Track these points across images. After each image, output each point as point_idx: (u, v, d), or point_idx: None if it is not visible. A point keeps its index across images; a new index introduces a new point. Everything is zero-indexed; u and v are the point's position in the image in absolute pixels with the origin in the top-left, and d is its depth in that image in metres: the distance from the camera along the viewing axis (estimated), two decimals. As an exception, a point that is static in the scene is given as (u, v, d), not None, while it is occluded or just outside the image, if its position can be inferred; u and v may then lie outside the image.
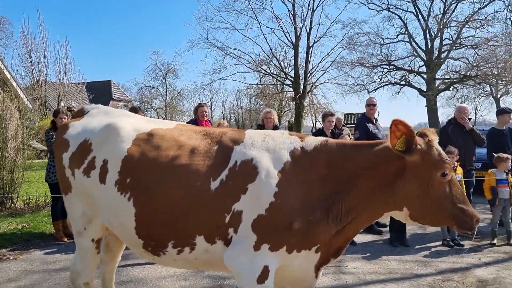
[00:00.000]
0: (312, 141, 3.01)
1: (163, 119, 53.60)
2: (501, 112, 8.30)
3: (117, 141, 3.12)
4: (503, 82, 35.51)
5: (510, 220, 6.95)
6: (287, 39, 33.03)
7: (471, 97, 49.44)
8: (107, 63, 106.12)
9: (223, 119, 66.06)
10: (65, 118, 7.72)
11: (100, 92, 48.12)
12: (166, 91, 47.06)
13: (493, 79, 34.67)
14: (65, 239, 7.27)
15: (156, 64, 46.22)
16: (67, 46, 34.86)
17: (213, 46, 33.28)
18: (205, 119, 8.12)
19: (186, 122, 5.16)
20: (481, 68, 32.08)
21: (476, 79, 32.63)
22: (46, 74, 31.53)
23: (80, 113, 3.63)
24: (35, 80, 30.85)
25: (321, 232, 2.81)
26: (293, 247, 2.80)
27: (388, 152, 2.78)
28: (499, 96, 44.52)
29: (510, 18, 32.90)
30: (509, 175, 6.98)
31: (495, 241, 6.79)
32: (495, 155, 7.14)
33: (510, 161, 6.97)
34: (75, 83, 35.66)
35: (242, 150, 2.94)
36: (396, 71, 35.04)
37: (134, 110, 8.15)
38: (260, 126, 8.34)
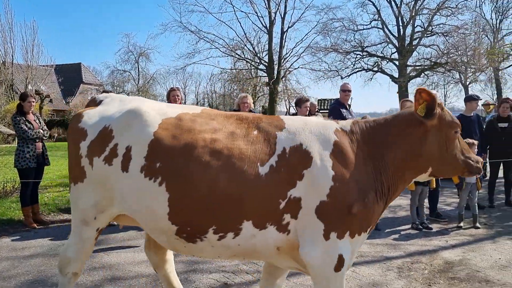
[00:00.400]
0: (346, 123, 3.10)
1: (136, 103, 53.08)
2: (469, 99, 8.48)
3: (141, 126, 2.98)
4: (472, 70, 36.35)
5: (476, 204, 7.19)
6: (262, 23, 32.85)
7: (441, 84, 50.53)
8: (77, 45, 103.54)
9: (196, 103, 65.57)
10: (33, 102, 7.51)
11: (70, 75, 47.01)
12: (139, 75, 46.31)
13: (462, 67, 35.40)
14: (35, 226, 7.14)
15: (128, 47, 45.39)
16: (34, 28, 33.64)
17: (186, 29, 32.75)
18: (178, 103, 8.03)
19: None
20: (451, 55, 32.70)
21: (446, 66, 33.27)
22: (12, 56, 30.51)
23: (92, 103, 3.47)
24: (1, 62, 29.83)
25: (375, 212, 2.92)
26: (354, 232, 2.84)
27: (411, 117, 3.01)
28: (467, 83, 45.57)
29: (479, 6, 33.55)
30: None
31: (461, 224, 7.01)
32: (463, 141, 7.32)
33: (476, 147, 7.16)
34: (43, 66, 34.64)
35: (288, 136, 2.91)
36: (369, 58, 35.35)
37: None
38: (235, 111, 8.30)
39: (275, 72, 32.21)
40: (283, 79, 33.79)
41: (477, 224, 7.03)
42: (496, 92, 47.09)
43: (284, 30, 32.74)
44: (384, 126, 3.06)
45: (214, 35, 32.76)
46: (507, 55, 16.79)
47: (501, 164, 8.56)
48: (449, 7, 33.12)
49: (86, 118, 3.20)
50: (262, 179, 2.77)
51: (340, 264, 2.79)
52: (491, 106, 17.47)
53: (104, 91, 8.48)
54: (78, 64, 50.33)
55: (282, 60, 32.92)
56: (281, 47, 32.83)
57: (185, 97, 68.80)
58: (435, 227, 6.99)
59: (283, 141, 2.88)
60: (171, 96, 7.84)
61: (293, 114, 8.28)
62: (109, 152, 3.01)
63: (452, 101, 62.58)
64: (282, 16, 32.51)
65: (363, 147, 2.96)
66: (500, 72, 41.72)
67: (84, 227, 3.17)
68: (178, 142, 2.87)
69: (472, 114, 8.36)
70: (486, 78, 47.07)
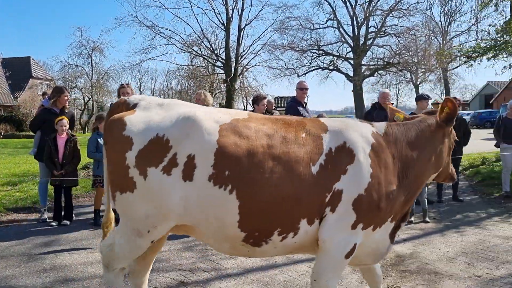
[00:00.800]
0: (380, 125, 3.39)
1: (89, 99, 50.87)
2: (419, 98, 8.77)
3: (202, 134, 2.93)
4: (422, 70, 37.70)
5: (426, 199, 7.45)
6: (219, 20, 32.64)
7: (394, 83, 52.08)
8: (26, 38, 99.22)
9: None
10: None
11: (18, 69, 45.03)
12: (92, 70, 45.04)
13: (413, 67, 36.66)
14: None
15: (80, 41, 43.94)
16: (-22, 19, 31.91)
17: (142, 24, 32.04)
18: None
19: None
20: (402, 56, 33.78)
21: (398, 66, 34.35)
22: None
23: (124, 106, 3.23)
24: None
25: (397, 206, 3.21)
26: (377, 225, 3.13)
27: (435, 123, 3.40)
28: (418, 83, 47.29)
29: (429, 9, 34.78)
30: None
31: (412, 219, 7.25)
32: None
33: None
34: (-12, 59, 32.96)
35: (332, 136, 3.13)
36: (325, 56, 35.96)
37: (59, 90, 7.73)
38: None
39: (232, 69, 32.14)
40: (240, 76, 33.79)
41: (427, 219, 7.29)
42: (444, 92, 49.14)
43: (242, 27, 32.71)
44: (413, 131, 3.37)
45: (170, 31, 32.25)
46: (455, 56, 17.51)
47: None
48: (401, 9, 34.19)
49: (129, 125, 3.00)
50: (314, 178, 2.96)
51: (351, 252, 3.06)
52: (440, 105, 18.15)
53: (57, 87, 8.19)
54: (27, 57, 48.24)
55: (240, 58, 32.90)
56: (239, 44, 32.79)
57: (140, 93, 67.50)
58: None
59: (329, 141, 3.10)
60: (121, 93, 7.61)
61: (251, 112, 8.27)
62: (168, 162, 2.90)
63: (404, 100, 64.74)
64: (240, 13, 32.47)
65: (394, 149, 3.26)
66: (448, 72, 43.58)
67: (137, 238, 3.05)
68: (241, 149, 2.92)
69: (422, 113, 8.66)
70: (435, 78, 49.05)
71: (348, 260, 3.08)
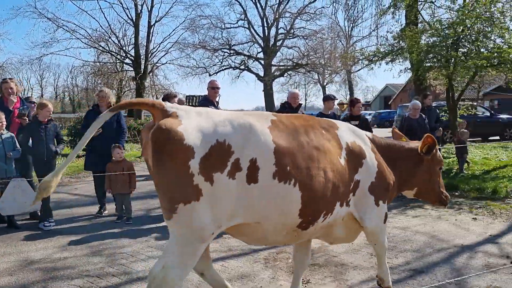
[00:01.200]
0: (368, 133, 4.14)
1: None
2: (326, 98, 9.17)
3: (259, 137, 3.12)
4: (329, 72, 39.50)
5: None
6: (127, 16, 31.58)
7: (302, 83, 54.06)
8: None
9: (55, 97, 60.63)
10: None
11: None
12: (-16, 64, 41.21)
13: (320, 68, 38.29)
14: None
15: (-31, 32, 40.00)
16: None
17: (42, 16, 30.05)
18: (11, 97, 7.19)
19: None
20: (310, 57, 35.16)
21: (306, 67, 35.68)
22: None
23: (163, 113, 3.05)
24: None
25: (393, 190, 4.07)
26: (388, 200, 4.02)
27: (416, 152, 4.20)
28: (325, 83, 49.48)
29: (334, 14, 36.49)
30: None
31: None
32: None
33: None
34: None
35: (344, 134, 3.73)
36: (236, 56, 36.32)
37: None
38: (96, 106, 7.93)
39: (142, 66, 31.27)
40: (150, 74, 33.02)
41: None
42: (349, 93, 51.92)
43: (152, 24, 31.95)
44: (395, 150, 4.20)
45: (74, 24, 30.64)
46: (357, 59, 18.56)
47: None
48: (309, 12, 35.60)
49: (187, 134, 2.93)
50: (344, 167, 3.54)
51: (386, 218, 3.99)
52: (345, 105, 19.14)
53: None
54: None
55: (149, 55, 32.10)
56: (148, 41, 31.99)
57: (41, 89, 63.16)
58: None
59: (344, 138, 3.69)
60: (3, 89, 6.97)
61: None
62: (231, 167, 2.99)
63: (312, 100, 67.25)
64: (149, 9, 31.67)
65: (380, 153, 3.99)
66: (352, 74, 46.13)
67: (200, 244, 3.04)
68: (292, 145, 3.26)
69: (329, 113, 9.04)
70: (340, 80, 51.73)
71: (385, 224, 4.02)
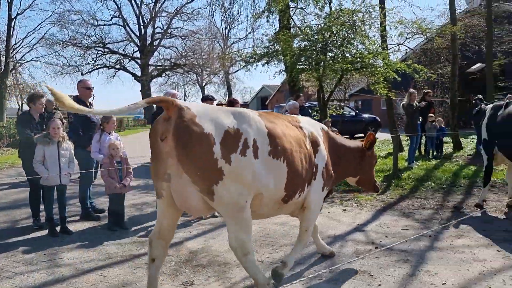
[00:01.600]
0: (323, 125, 5.01)
1: None
2: (205, 99, 9.19)
3: (256, 123, 3.87)
4: (207, 72, 39.73)
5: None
6: (-17, 7, 28.35)
7: (181, 84, 53.62)
8: None
9: None
10: None
11: None
12: None
13: (199, 69, 38.36)
14: None
15: None
16: None
17: None
18: None
19: None
20: (188, 58, 35.05)
21: (185, 67, 35.47)
22: None
23: (176, 108, 3.56)
24: None
25: (334, 180, 4.85)
26: (330, 187, 4.82)
27: (360, 147, 5.21)
28: (204, 84, 49.66)
29: (211, 15, 36.81)
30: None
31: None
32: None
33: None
34: None
35: (306, 126, 4.55)
36: (111, 54, 34.76)
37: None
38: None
39: (3, 63, 28.33)
40: (13, 72, 30.03)
41: (216, 213, 7.70)
42: (227, 93, 52.79)
43: (13, 17, 29.09)
44: (341, 143, 5.04)
45: None
46: (235, 61, 18.97)
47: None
48: (186, 12, 35.45)
49: (205, 124, 3.55)
50: (310, 152, 4.36)
51: (322, 206, 4.93)
52: (224, 106, 19.40)
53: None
54: None
55: (11, 51, 29.20)
56: (9, 36, 29.09)
57: None
58: (180, 219, 7.35)
59: (305, 129, 4.50)
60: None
61: (26, 112, 7.40)
62: (242, 147, 3.68)
63: (191, 100, 67.02)
64: (9, 0, 28.80)
65: (330, 146, 4.81)
66: (230, 75, 46.98)
67: (241, 213, 3.74)
68: (278, 131, 4.04)
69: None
70: (219, 80, 52.36)
71: (320, 211, 4.91)
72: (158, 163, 3.62)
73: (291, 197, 4.16)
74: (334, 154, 4.78)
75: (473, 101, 8.43)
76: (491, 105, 7.59)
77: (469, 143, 15.27)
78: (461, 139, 15.56)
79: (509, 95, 14.38)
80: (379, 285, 4.50)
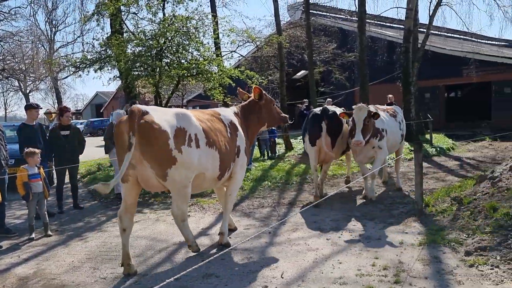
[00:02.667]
0: (235, 108, 6.32)
1: None
2: (29, 107, 8.35)
3: (195, 122, 5.24)
4: (31, 78, 36.12)
5: (45, 212, 7.18)
6: None
7: (0, 91, 47.74)
8: None
9: None
10: None
11: None
12: None
13: (21, 75, 34.67)
14: None
15: None
16: None
17: None
18: None
19: None
20: (8, 62, 31.36)
21: (4, 73, 31.65)
22: None
23: (140, 113, 4.82)
24: None
25: (248, 150, 6.20)
26: (246, 160, 6.15)
27: (254, 102, 6.33)
28: (28, 91, 44.99)
29: (33, 16, 33.61)
30: (41, 168, 7.16)
31: (33, 235, 6.84)
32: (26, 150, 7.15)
33: (39, 155, 7.13)
34: None
35: (225, 116, 5.89)
36: None
37: None
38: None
39: None
40: None
41: (49, 232, 7.03)
42: (56, 101, 48.68)
43: None
44: (246, 109, 6.30)
45: None
46: (64, 66, 17.63)
47: (67, 170, 8.89)
48: (2, 11, 31.60)
49: (162, 124, 4.85)
50: (231, 139, 5.70)
51: (245, 174, 6.62)
52: (53, 115, 17.87)
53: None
54: None
55: None
56: None
57: None
58: (5, 244, 6.53)
59: (225, 120, 5.83)
60: None
61: None
62: (188, 140, 5.04)
63: (14, 109, 60.26)
64: None
65: (241, 120, 6.15)
66: (59, 82, 43.43)
67: (186, 189, 5.15)
68: (208, 127, 5.40)
69: (34, 123, 8.28)
70: (46, 87, 48.02)
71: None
72: (125, 155, 4.70)
73: (223, 174, 5.63)
74: (245, 123, 6.16)
75: (305, 106, 9.43)
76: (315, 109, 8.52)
77: (299, 144, 16.69)
78: (292, 140, 16.92)
79: (328, 99, 16.18)
80: (226, 285, 4.62)
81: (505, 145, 15.87)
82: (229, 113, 6.07)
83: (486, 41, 25.78)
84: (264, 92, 6.37)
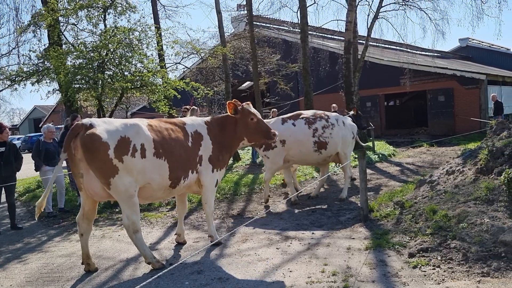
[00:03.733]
0: (206, 118, 6.43)
1: None
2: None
3: (144, 132, 5.40)
4: (-38, 93, 33.92)
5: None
6: None
7: None
8: None
9: None
10: None
11: None
12: None
13: (-50, 89, 32.54)
14: None
15: None
16: None
17: None
18: None
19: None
20: None
21: None
22: None
23: (83, 127, 5.15)
24: None
25: (226, 161, 6.46)
26: (220, 168, 6.32)
27: (228, 117, 6.32)
28: (-42, 107, 42.32)
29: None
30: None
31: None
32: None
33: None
34: None
35: (190, 126, 6.11)
36: None
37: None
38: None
39: None
40: None
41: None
42: (-10, 116, 46.11)
43: None
44: (221, 120, 6.36)
45: None
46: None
47: (3, 189, 8.43)
48: None
49: (103, 135, 5.09)
50: (191, 148, 5.92)
51: (216, 183, 6.33)
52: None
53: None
54: None
55: None
56: None
57: None
58: None
59: (189, 129, 6.05)
60: None
61: None
62: (132, 150, 5.21)
63: None
64: None
65: (216, 130, 6.26)
66: (-7, 96, 41.17)
67: (132, 199, 5.27)
68: (160, 137, 5.59)
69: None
70: (-22, 102, 45.36)
71: (216, 188, 6.36)
72: (74, 166, 5.24)
73: (177, 183, 5.73)
74: (219, 135, 6.23)
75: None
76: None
77: (246, 154, 16.75)
78: (239, 151, 16.96)
79: (274, 110, 16.39)
80: (176, 301, 4.52)
81: (442, 150, 16.71)
82: (197, 122, 6.22)
83: (420, 52, 27.19)
84: (243, 106, 6.29)
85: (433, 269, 4.84)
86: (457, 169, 7.25)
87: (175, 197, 6.87)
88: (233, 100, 6.38)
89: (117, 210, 9.27)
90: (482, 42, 46.12)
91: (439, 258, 5.07)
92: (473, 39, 45.38)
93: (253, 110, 6.37)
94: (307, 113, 9.02)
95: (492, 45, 45.67)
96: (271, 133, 6.26)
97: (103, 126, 5.18)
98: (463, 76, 23.02)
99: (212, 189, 6.23)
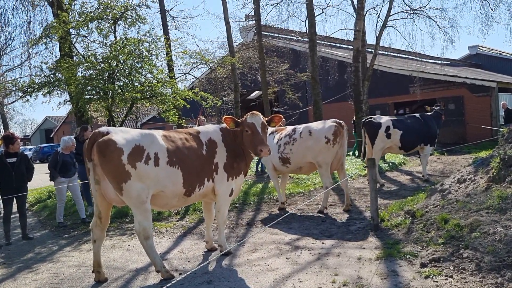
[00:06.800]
0: (221, 126, 6.39)
1: None
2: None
3: (158, 141, 5.59)
4: (-25, 104, 34.38)
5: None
6: None
7: None
8: None
9: None
10: None
11: None
12: None
13: (-36, 101, 33.01)
14: None
15: None
16: None
17: None
18: None
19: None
20: (-52, 88, 29.82)
21: None
22: None
23: (100, 134, 5.39)
24: None
25: (242, 168, 6.40)
26: (236, 177, 6.31)
27: (232, 131, 6.24)
28: (-29, 118, 42.90)
29: (-23, 39, 32.33)
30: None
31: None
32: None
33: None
34: None
35: (203, 135, 6.15)
36: None
37: None
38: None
39: None
40: None
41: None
42: (3, 127, 46.67)
43: None
44: (234, 131, 6.21)
45: None
46: (10, 91, 16.97)
47: (14, 199, 8.49)
48: None
49: (119, 142, 5.29)
50: (206, 157, 5.98)
51: (231, 193, 6.32)
52: (0, 142, 17.07)
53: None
54: None
55: None
56: None
57: None
58: None
59: (203, 137, 6.12)
60: None
61: None
62: (145, 158, 5.38)
63: (-45, 138, 56.87)
64: None
65: (232, 136, 6.26)
66: (5, 107, 41.77)
67: (144, 205, 5.35)
68: (175, 146, 5.72)
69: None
70: (-9, 113, 45.92)
71: (231, 197, 6.36)
72: (91, 172, 5.42)
73: (192, 191, 5.80)
74: (233, 142, 6.21)
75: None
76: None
77: (253, 163, 16.72)
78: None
79: (283, 119, 16.39)
80: (186, 311, 4.50)
81: (452, 159, 16.57)
82: (212, 129, 6.30)
83: (429, 60, 27.12)
84: (241, 119, 6.13)
85: (445, 279, 4.77)
86: (468, 177, 7.17)
87: (202, 205, 6.93)
88: (228, 115, 6.39)
89: (127, 220, 9.30)
90: (492, 50, 45.84)
91: (451, 268, 5.00)
92: (483, 47, 45.14)
93: (253, 121, 6.02)
94: (287, 129, 9.47)
95: (502, 52, 45.37)
96: (257, 149, 5.85)
97: (120, 134, 5.41)
98: (473, 84, 22.85)
99: (226, 198, 6.20)
